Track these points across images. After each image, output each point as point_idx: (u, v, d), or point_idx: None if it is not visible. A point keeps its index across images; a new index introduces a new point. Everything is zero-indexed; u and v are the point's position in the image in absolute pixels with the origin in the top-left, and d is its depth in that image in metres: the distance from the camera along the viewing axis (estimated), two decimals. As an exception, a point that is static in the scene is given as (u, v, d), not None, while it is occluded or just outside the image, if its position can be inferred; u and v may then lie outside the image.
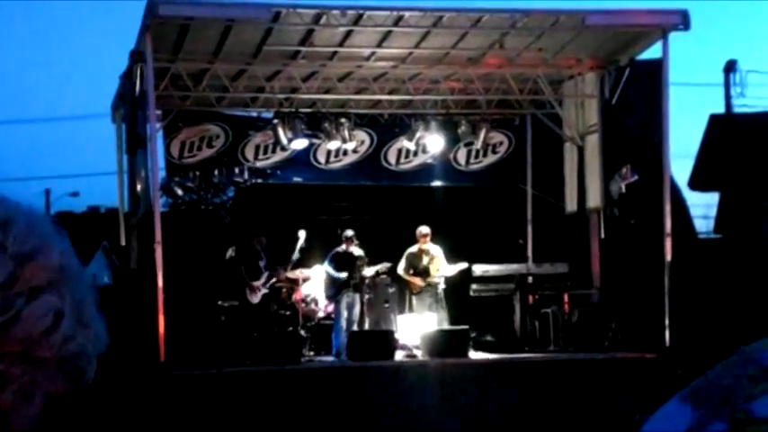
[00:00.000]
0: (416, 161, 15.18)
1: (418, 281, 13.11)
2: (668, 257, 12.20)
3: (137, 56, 12.06)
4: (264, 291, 12.95)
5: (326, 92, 14.25)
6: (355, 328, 12.70)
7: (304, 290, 13.16)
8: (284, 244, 13.39)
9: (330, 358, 12.56)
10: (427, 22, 12.16)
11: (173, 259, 11.93)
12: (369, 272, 12.96)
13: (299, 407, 10.96)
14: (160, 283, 11.23)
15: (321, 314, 13.18)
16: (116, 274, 23.37)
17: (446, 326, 12.85)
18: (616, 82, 13.43)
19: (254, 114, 14.99)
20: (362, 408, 11.12)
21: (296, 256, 13.15)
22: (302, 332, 12.76)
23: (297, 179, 15.20)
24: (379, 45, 12.80)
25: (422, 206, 15.45)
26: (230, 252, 13.41)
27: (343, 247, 12.95)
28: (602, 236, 13.91)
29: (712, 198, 17.89)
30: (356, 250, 12.97)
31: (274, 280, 13.11)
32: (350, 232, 13.02)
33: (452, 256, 13.39)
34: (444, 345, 12.16)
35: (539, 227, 15.25)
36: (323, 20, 11.88)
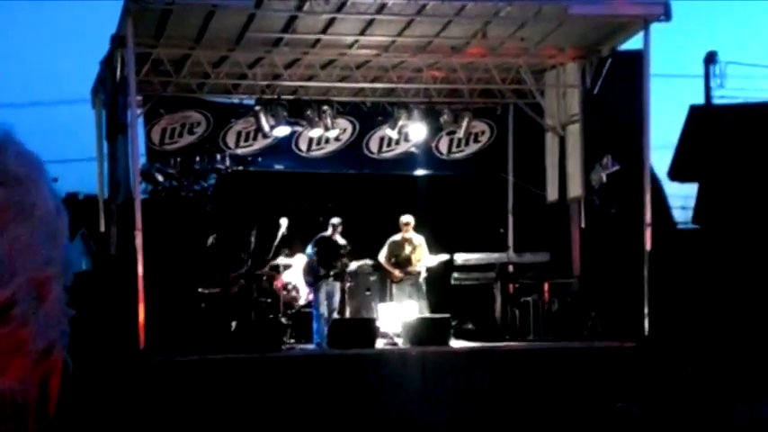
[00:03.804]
0: (398, 149, 15.18)
1: (396, 272, 13.12)
2: (648, 247, 12.28)
3: (118, 41, 11.96)
4: (242, 283, 12.90)
5: (309, 79, 14.21)
6: (336, 315, 12.70)
7: (285, 278, 13.14)
8: (265, 232, 13.35)
9: (311, 346, 12.55)
10: (410, 10, 12.14)
11: (153, 246, 11.88)
12: (351, 267, 12.96)
13: (279, 394, 10.95)
14: (140, 270, 11.18)
15: (302, 302, 13.17)
16: (95, 261, 23.26)
17: (427, 314, 12.88)
18: (597, 72, 13.48)
19: (236, 101, 14.93)
20: (343, 395, 11.13)
21: (276, 243, 13.11)
22: (283, 320, 12.75)
23: (278, 167, 15.16)
24: (362, 33, 12.77)
25: (403, 195, 15.47)
26: (211, 239, 13.36)
27: (329, 232, 12.94)
28: (583, 225, 13.98)
29: (691, 189, 18.03)
30: (340, 239, 12.96)
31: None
32: (337, 220, 13.00)
33: (434, 245, 13.42)
34: (425, 333, 12.18)
35: (520, 216, 15.31)
36: (306, 7, 11.83)
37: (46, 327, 0.85)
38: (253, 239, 13.03)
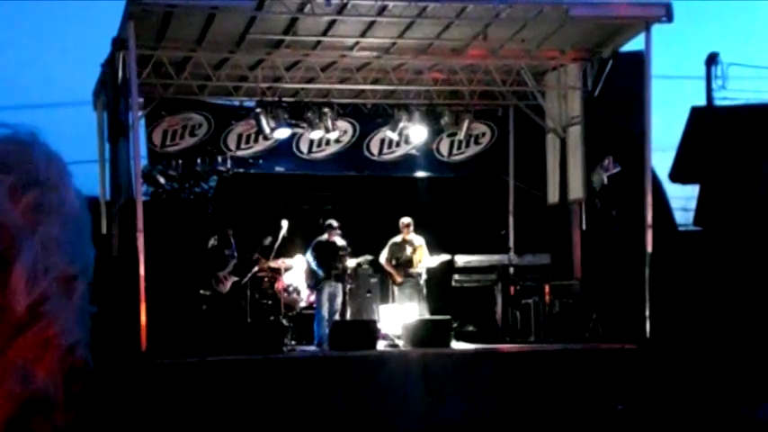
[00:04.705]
0: (399, 151, 15.19)
1: (397, 276, 13.14)
2: (649, 249, 12.28)
3: (119, 43, 11.98)
4: (233, 279, 12.93)
5: (310, 81, 14.22)
6: (337, 317, 12.71)
7: (286, 279, 13.15)
8: (266, 233, 13.36)
9: (312, 348, 12.57)
10: (411, 12, 12.15)
11: (154, 248, 11.89)
12: (350, 264, 12.97)
13: (280, 396, 10.96)
14: (142, 271, 11.20)
15: (303, 304, 13.18)
16: (97, 263, 23.23)
17: (428, 316, 12.88)
18: (599, 74, 13.49)
19: (237, 103, 14.95)
20: (344, 397, 11.14)
21: (277, 243, 13.13)
22: (284, 321, 12.76)
23: (279, 169, 15.16)
24: (363, 35, 12.79)
25: (404, 197, 15.46)
26: (212, 241, 13.38)
27: (326, 236, 12.94)
28: (584, 227, 13.98)
29: (692, 190, 18.01)
30: (339, 240, 12.97)
31: (256, 269, 13.09)
32: (333, 222, 13.02)
33: (435, 247, 13.42)
34: (426, 335, 12.19)
35: (521, 218, 15.31)
36: (307, 8, 11.85)
37: (72, 323, 0.86)
38: (231, 237, 13.06)
